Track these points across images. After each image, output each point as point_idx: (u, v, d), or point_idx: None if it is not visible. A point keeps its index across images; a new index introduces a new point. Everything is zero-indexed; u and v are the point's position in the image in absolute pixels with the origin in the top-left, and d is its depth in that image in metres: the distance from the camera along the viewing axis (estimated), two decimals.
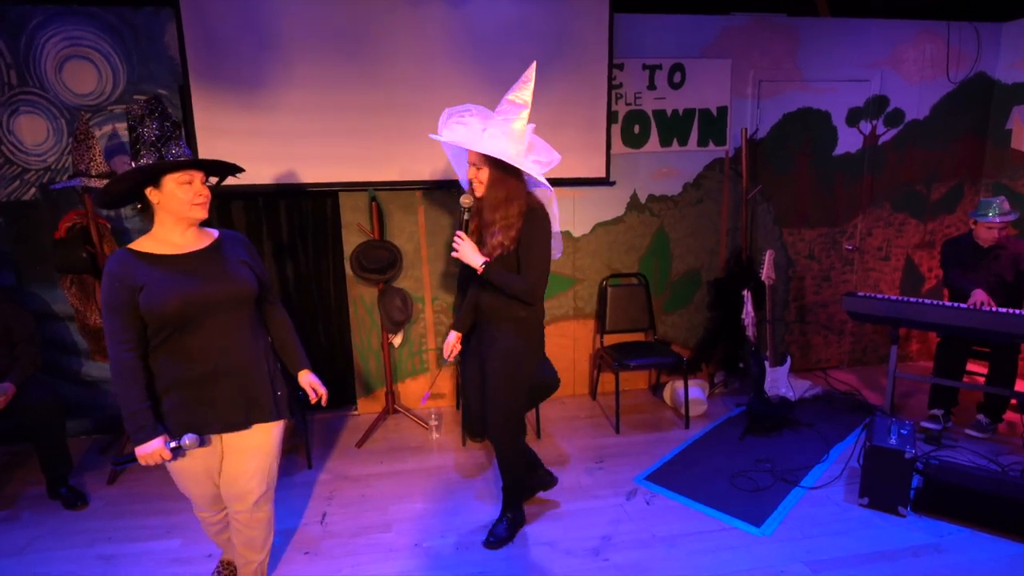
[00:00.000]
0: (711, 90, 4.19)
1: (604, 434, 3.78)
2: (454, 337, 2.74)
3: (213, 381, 1.90)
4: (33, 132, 3.52)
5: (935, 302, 3.57)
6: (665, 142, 4.20)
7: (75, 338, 3.76)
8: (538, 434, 3.77)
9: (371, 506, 3.05)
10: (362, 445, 3.68)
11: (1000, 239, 3.64)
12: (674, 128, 4.19)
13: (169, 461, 1.89)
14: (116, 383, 1.83)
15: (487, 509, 3.05)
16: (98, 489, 3.29)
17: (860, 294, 3.81)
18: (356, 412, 4.15)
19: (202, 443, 1.93)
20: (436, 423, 3.76)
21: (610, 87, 3.90)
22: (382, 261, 3.71)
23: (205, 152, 3.53)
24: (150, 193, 1.85)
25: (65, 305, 3.66)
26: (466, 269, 2.56)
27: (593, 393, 4.38)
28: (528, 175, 2.39)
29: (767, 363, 3.86)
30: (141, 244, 1.88)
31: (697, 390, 4.14)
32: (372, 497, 3.13)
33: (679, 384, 4.10)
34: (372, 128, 3.58)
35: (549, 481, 2.97)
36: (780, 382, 3.89)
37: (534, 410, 3.75)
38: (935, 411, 3.82)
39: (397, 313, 3.75)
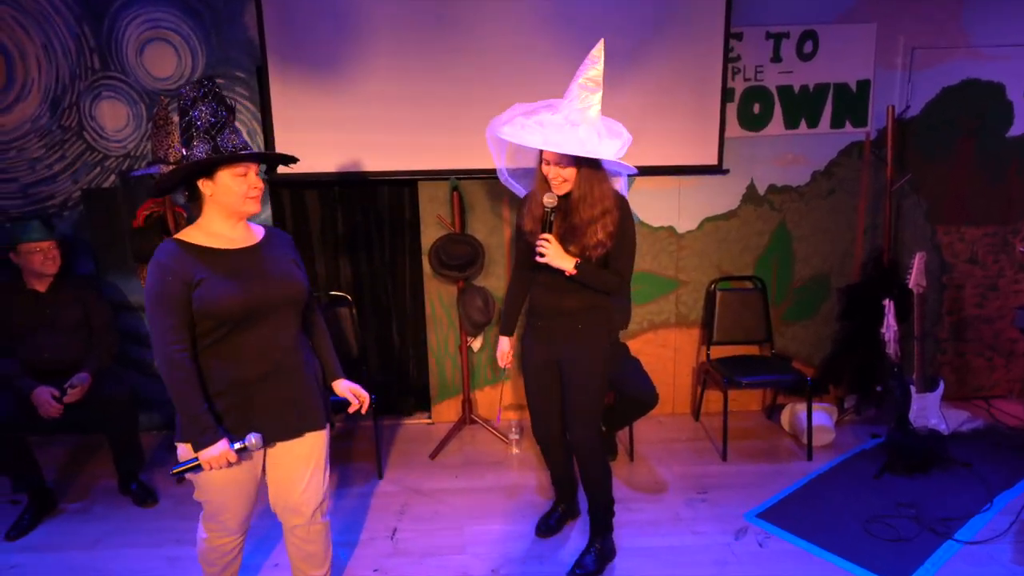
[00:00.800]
0: (850, 61, 3.76)
1: (708, 461, 3.56)
2: (507, 344, 2.73)
3: (265, 385, 1.88)
4: (114, 117, 3.62)
5: None
6: (791, 123, 3.82)
7: (148, 330, 3.77)
8: (631, 456, 3.55)
9: (444, 524, 3.00)
10: (436, 457, 3.61)
11: None
12: (803, 107, 3.80)
13: (233, 464, 1.85)
14: (172, 385, 1.79)
15: (572, 536, 2.91)
16: (168, 487, 3.35)
17: None
18: (430, 420, 4.07)
19: (263, 443, 1.89)
20: (516, 437, 3.66)
21: (726, 61, 3.60)
22: (463, 257, 3.61)
23: (281, 137, 3.53)
24: (202, 184, 1.82)
25: (140, 295, 3.72)
26: (524, 267, 2.53)
27: (696, 413, 4.09)
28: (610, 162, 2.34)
29: (913, 388, 3.41)
30: (190, 235, 1.84)
31: (823, 415, 3.74)
32: (445, 514, 3.08)
33: (800, 407, 3.74)
34: (455, 113, 3.52)
35: (575, 513, 2.98)
36: (930, 411, 3.39)
37: (627, 429, 3.54)
38: None
39: (477, 314, 3.64)
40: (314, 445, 2.03)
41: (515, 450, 3.62)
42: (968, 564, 2.66)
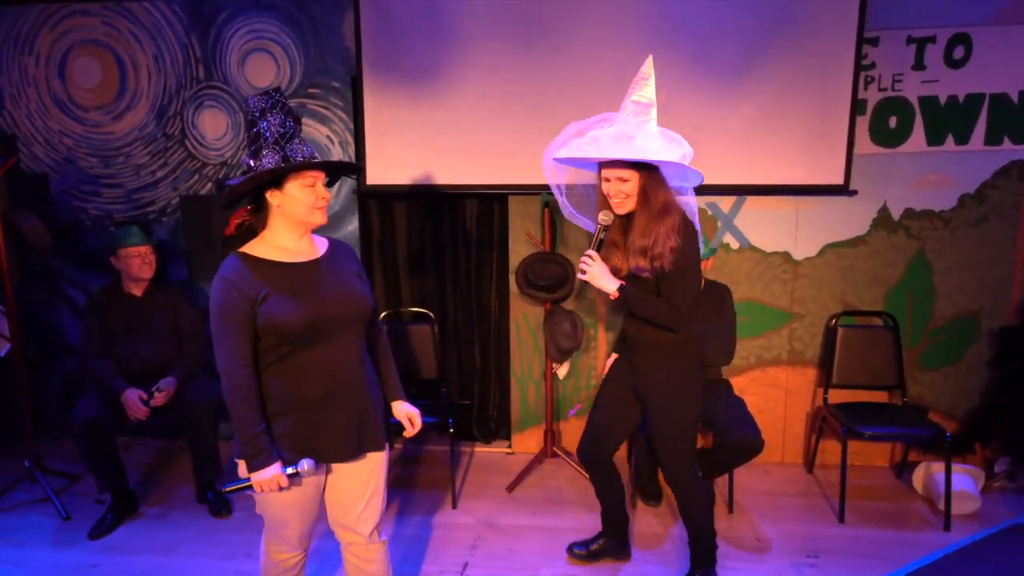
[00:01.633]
0: (1010, 68, 3.36)
1: (821, 520, 3.25)
2: (612, 361, 2.67)
3: (327, 404, 1.88)
4: (215, 127, 3.78)
5: None
6: (935, 139, 3.46)
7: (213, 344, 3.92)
8: (730, 508, 3.29)
9: (518, 564, 2.90)
10: (513, 490, 3.51)
11: None
12: (950, 120, 3.43)
13: (284, 489, 1.86)
14: (231, 403, 1.81)
15: None
16: (243, 498, 3.30)
17: None
18: (510, 450, 3.96)
19: (318, 468, 1.90)
20: None
21: (857, 68, 3.32)
22: (552, 277, 3.50)
23: (373, 147, 3.59)
24: (270, 195, 1.84)
25: None
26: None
27: (809, 464, 3.75)
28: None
29: None
30: (255, 249, 1.86)
31: (966, 479, 3.33)
32: (520, 552, 2.98)
33: (938, 468, 3.35)
34: (549, 125, 3.34)
35: (621, 554, 2.89)
36: None
37: (727, 477, 3.29)
38: None
39: (564, 339, 3.52)
40: (374, 465, 2.03)
41: None
42: None
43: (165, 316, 3.41)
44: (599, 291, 2.29)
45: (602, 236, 2.28)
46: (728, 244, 3.61)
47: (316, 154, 1.86)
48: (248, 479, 1.84)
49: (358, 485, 2.02)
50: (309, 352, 1.83)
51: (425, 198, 3.79)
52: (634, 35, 3.36)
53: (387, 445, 2.07)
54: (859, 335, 3.55)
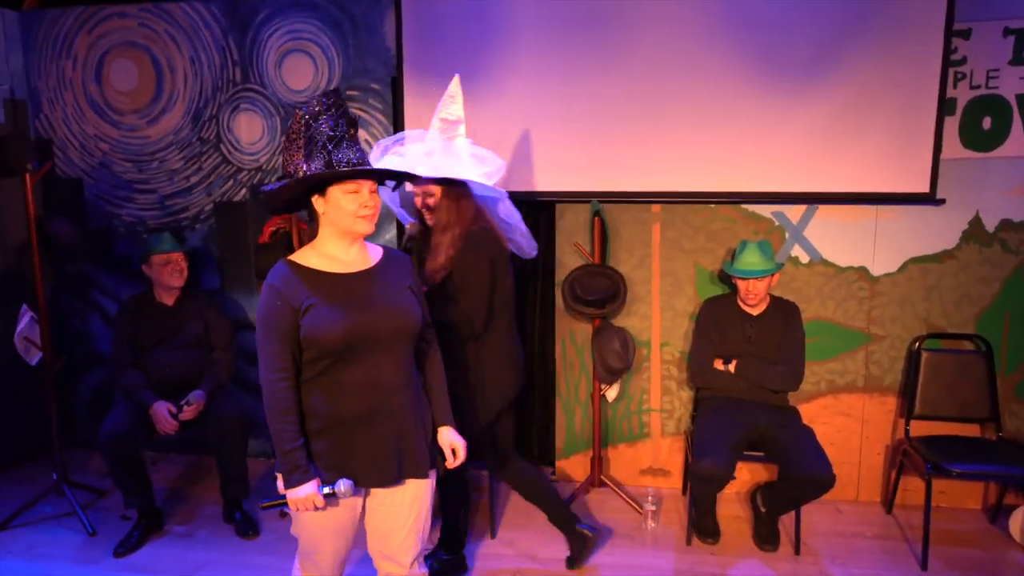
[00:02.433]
0: None
1: (901, 567, 3.04)
2: None
3: (367, 425, 1.87)
4: (250, 130, 3.78)
5: None
6: None
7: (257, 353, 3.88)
8: (796, 548, 3.10)
9: None
10: None
11: None
12: None
13: (320, 509, 1.86)
14: (270, 416, 1.83)
15: None
16: (271, 519, 3.37)
17: None
18: (553, 477, 3.85)
19: (356, 491, 1.89)
20: (653, 508, 3.34)
21: (946, 64, 3.14)
22: (601, 291, 3.42)
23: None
24: (315, 201, 1.85)
25: None
26: None
27: (888, 504, 3.52)
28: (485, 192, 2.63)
29: None
30: (304, 257, 1.87)
31: None
32: None
33: None
34: (600, 130, 3.43)
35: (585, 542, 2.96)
36: None
37: (793, 514, 3.10)
38: None
39: (614, 359, 3.41)
40: (417, 493, 1.99)
41: (651, 524, 3.33)
42: None
43: (195, 326, 3.41)
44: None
45: (408, 246, 2.43)
46: (797, 257, 3.44)
47: (365, 159, 1.84)
48: (284, 496, 1.84)
49: (399, 513, 1.98)
50: (350, 368, 1.82)
51: None
52: (693, 32, 3.25)
53: (432, 472, 2.03)
54: (946, 360, 3.33)
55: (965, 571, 2.95)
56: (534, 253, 2.92)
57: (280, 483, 1.87)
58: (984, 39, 3.15)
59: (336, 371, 1.82)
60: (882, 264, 3.41)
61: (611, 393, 3.62)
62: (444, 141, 2.54)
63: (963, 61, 3.18)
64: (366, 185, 1.82)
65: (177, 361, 3.34)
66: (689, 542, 3.18)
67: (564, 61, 3.35)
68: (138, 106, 3.83)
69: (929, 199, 3.24)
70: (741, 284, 3.12)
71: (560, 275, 3.59)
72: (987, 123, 3.22)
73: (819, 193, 3.30)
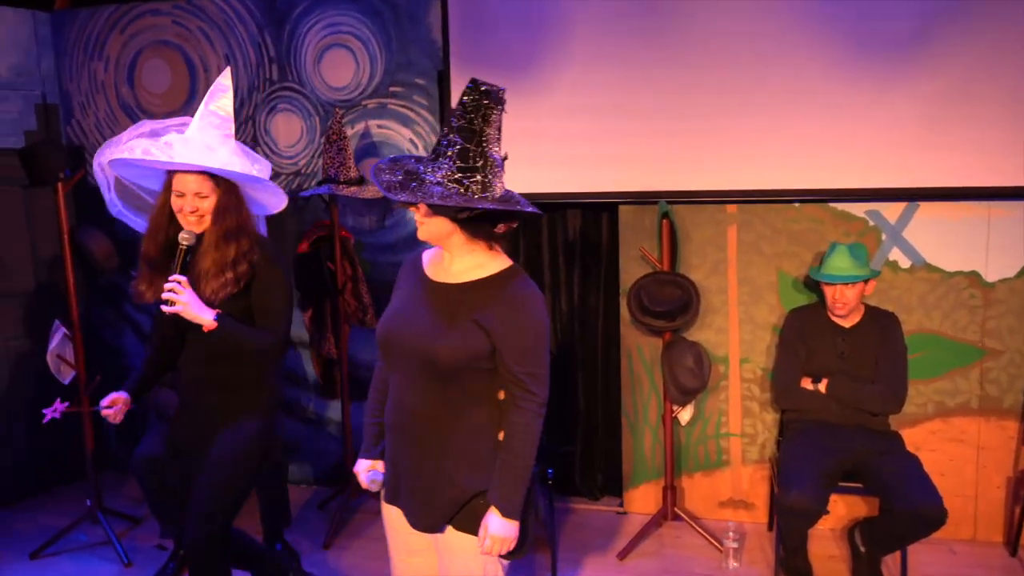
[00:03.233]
0: None
1: None
2: None
3: (392, 435, 1.86)
4: (288, 132, 3.72)
5: None
6: None
7: (306, 369, 3.87)
8: None
9: None
10: (626, 557, 3.30)
11: None
12: None
13: (371, 492, 1.97)
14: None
15: None
16: (313, 551, 3.36)
17: None
18: (621, 508, 3.73)
19: (383, 491, 1.95)
20: (735, 545, 3.21)
21: None
22: (672, 302, 3.31)
23: None
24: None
25: (300, 329, 3.73)
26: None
27: (1012, 545, 3.28)
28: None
29: None
30: (432, 252, 1.90)
31: None
32: None
33: None
34: (666, 123, 3.37)
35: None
36: None
37: (899, 553, 2.88)
38: None
39: (687, 377, 3.30)
40: (459, 544, 1.82)
41: (732, 563, 3.18)
42: None
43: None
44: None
45: (188, 258, 2.24)
46: (895, 262, 3.26)
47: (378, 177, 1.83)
48: None
49: (443, 559, 1.87)
50: (392, 374, 1.86)
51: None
52: (768, 11, 3.16)
53: (452, 535, 1.81)
54: None
55: None
56: (282, 204, 2.58)
57: None
58: None
59: (389, 371, 1.89)
60: (997, 269, 3.20)
61: (684, 415, 3.51)
62: (221, 136, 2.30)
63: None
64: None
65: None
66: None
67: (623, 48, 3.28)
68: (172, 108, 3.81)
69: None
70: (828, 291, 2.97)
71: (625, 284, 3.52)
72: None
73: (921, 188, 3.14)
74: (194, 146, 2.24)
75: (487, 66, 3.36)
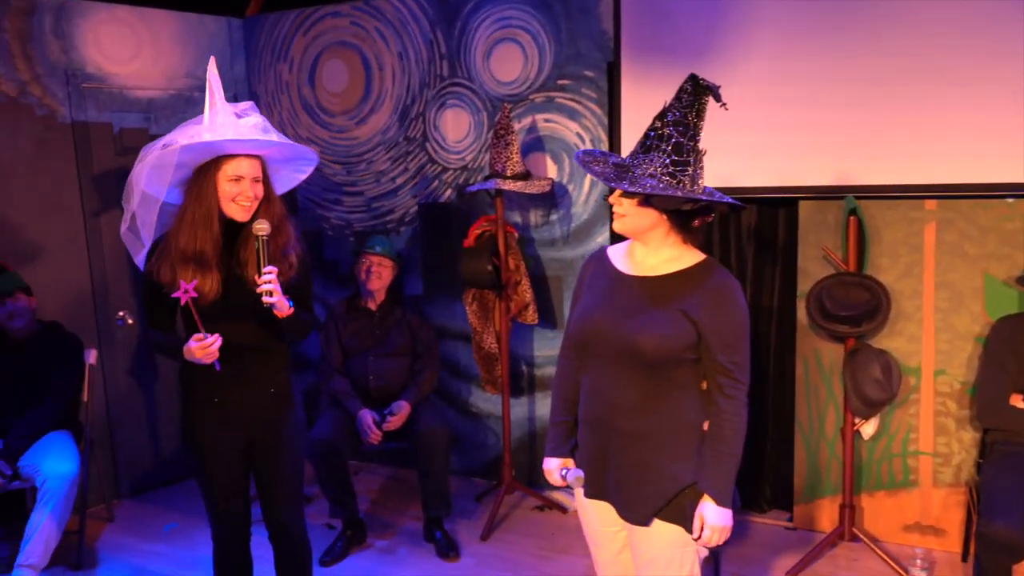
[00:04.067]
0: None
1: None
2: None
3: (592, 431, 1.88)
4: (456, 127, 3.83)
5: None
6: None
7: (468, 361, 3.94)
8: None
9: None
10: None
11: None
12: None
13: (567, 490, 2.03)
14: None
15: None
16: (471, 542, 3.44)
17: None
18: (790, 524, 3.59)
19: (583, 488, 1.94)
20: (924, 573, 3.04)
21: None
22: (858, 306, 3.15)
23: (630, 143, 3.42)
24: None
25: (463, 323, 3.82)
26: None
27: None
28: None
29: None
30: (615, 249, 1.93)
31: None
32: None
33: None
34: (854, 113, 3.21)
35: None
36: None
37: None
38: None
39: (872, 388, 3.14)
40: (639, 541, 1.87)
41: None
42: None
43: (398, 334, 3.52)
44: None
45: (268, 249, 2.20)
46: None
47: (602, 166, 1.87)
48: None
49: (638, 552, 1.89)
50: (588, 369, 1.88)
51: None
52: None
53: (659, 527, 1.83)
54: None
55: None
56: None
57: None
58: None
59: (582, 366, 1.91)
60: None
61: (867, 429, 3.33)
62: (261, 119, 2.27)
63: None
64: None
65: (379, 369, 3.46)
66: None
67: (809, 37, 3.18)
68: (348, 107, 4.03)
69: None
70: None
71: (804, 285, 3.38)
72: None
73: None
74: (248, 130, 2.17)
75: (660, 55, 3.32)
